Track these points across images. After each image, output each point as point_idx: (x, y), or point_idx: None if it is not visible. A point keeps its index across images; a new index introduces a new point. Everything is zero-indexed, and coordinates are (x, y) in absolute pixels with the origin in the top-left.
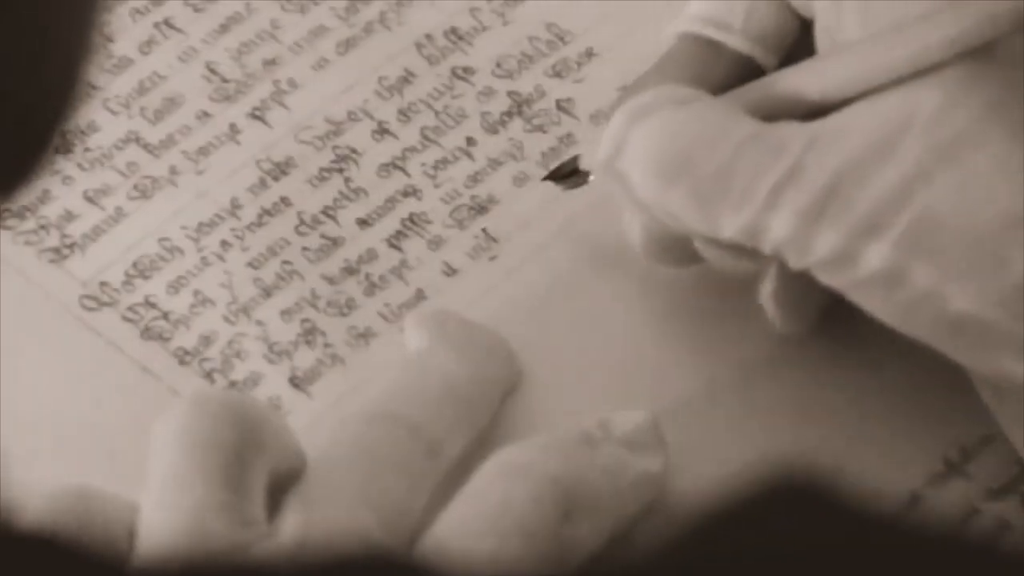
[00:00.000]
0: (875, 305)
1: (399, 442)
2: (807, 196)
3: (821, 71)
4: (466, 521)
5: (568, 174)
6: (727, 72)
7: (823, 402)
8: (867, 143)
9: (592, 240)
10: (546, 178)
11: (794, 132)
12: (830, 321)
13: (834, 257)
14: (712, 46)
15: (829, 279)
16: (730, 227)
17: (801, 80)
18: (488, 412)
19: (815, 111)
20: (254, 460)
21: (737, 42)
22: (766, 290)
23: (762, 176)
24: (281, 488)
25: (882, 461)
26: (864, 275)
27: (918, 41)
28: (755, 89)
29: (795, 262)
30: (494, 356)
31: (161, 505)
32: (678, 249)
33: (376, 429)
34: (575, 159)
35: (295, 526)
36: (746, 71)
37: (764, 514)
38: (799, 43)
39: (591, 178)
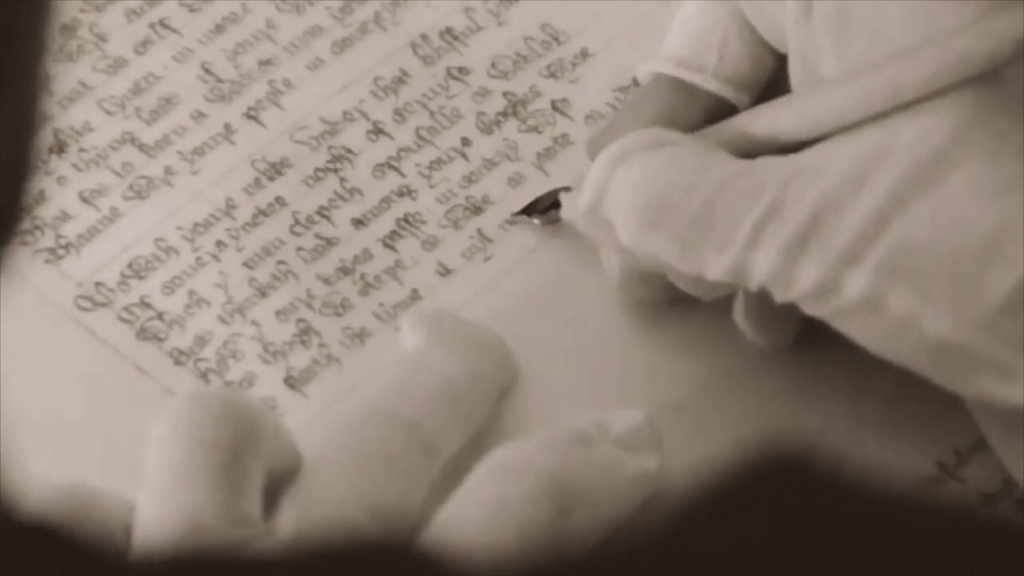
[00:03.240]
0: (857, 332)
1: (394, 440)
2: (788, 231)
3: (797, 108)
4: (461, 519)
5: (544, 209)
6: (701, 112)
7: (816, 405)
8: (844, 175)
9: (586, 241)
10: (520, 212)
11: (772, 168)
12: (824, 324)
13: (816, 289)
14: (685, 87)
15: (813, 310)
16: (715, 268)
17: (777, 117)
18: (484, 411)
19: (792, 145)
20: (250, 459)
21: (710, 84)
22: (738, 312)
23: (743, 215)
24: (277, 487)
25: (876, 465)
26: (845, 303)
27: (895, 79)
28: (732, 126)
29: (780, 296)
30: (490, 355)
31: (158, 503)
32: (655, 284)
33: (371, 428)
34: (550, 194)
35: (291, 524)
36: (720, 110)
37: (752, 494)
38: (774, 76)
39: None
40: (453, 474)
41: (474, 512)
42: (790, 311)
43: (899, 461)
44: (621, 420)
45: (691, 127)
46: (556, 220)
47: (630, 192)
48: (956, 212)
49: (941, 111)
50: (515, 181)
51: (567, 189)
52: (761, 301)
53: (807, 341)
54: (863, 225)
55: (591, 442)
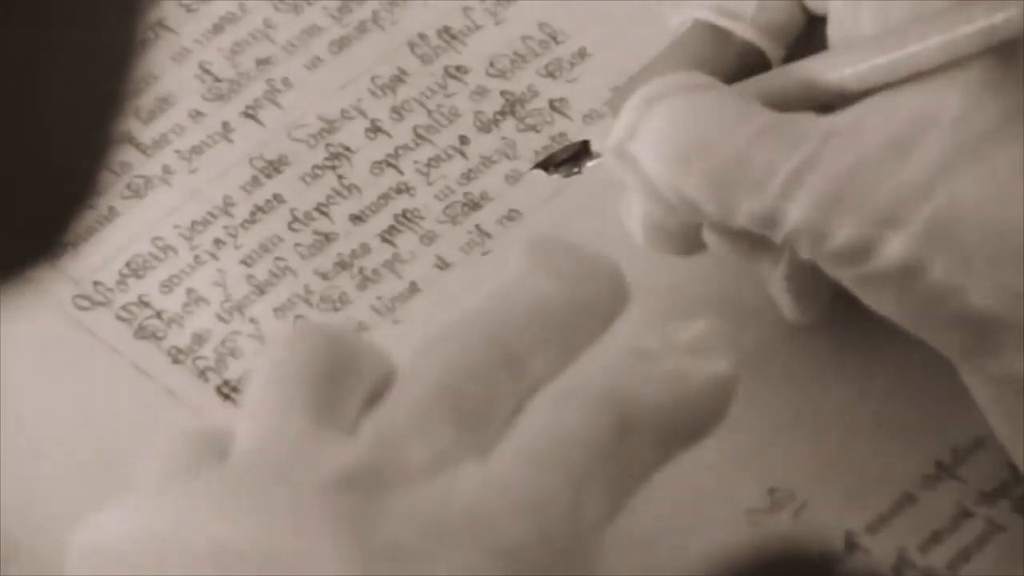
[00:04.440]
0: (887, 300)
1: (478, 354)
2: (825, 184)
3: (841, 62)
4: (522, 448)
5: (559, 163)
6: (735, 61)
7: (816, 404)
8: (888, 137)
9: (583, 237)
10: (535, 166)
11: (813, 123)
12: (823, 322)
13: (850, 247)
14: (721, 34)
15: (841, 270)
16: (745, 213)
17: (819, 70)
18: (585, 339)
19: (829, 105)
20: (346, 371)
21: (747, 31)
22: (778, 277)
23: (780, 163)
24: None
25: (874, 463)
26: (880, 267)
27: (946, 33)
28: (771, 78)
29: (808, 251)
30: (596, 282)
31: (254, 411)
32: (680, 237)
33: (455, 340)
34: (566, 148)
35: (370, 430)
36: (753, 62)
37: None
38: (804, 38)
39: (586, 166)
40: None
41: (533, 440)
42: (826, 285)
43: (898, 459)
44: (685, 329)
45: (725, 76)
46: (573, 173)
47: (665, 128)
48: (1004, 185)
49: (988, 84)
50: (513, 179)
51: (586, 143)
52: (802, 269)
53: (804, 342)
54: (907, 189)
55: (652, 356)
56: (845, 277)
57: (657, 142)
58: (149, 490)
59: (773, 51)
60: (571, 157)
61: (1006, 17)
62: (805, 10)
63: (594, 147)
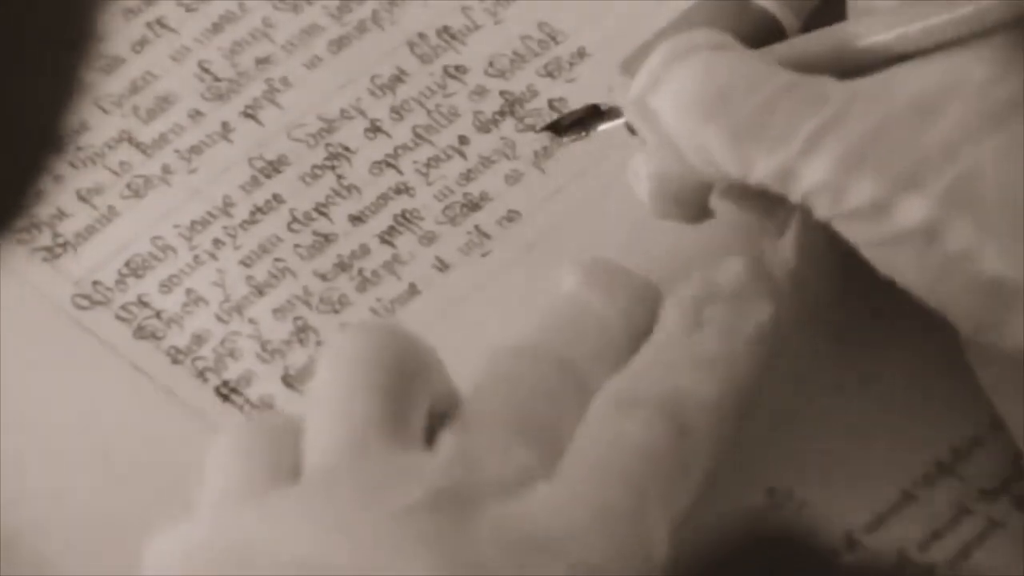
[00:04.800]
0: (904, 264)
1: (550, 376)
2: (847, 143)
3: (864, 31)
4: (585, 463)
5: (568, 127)
6: (751, 29)
7: (815, 403)
8: (912, 101)
9: (582, 237)
10: (545, 128)
11: (836, 85)
12: (822, 320)
13: (870, 207)
14: (737, 3)
15: (857, 232)
16: (763, 169)
17: (843, 39)
18: (633, 353)
19: (850, 74)
20: (417, 386)
21: (764, 0)
22: (787, 242)
23: (802, 120)
24: (436, 425)
25: (874, 463)
26: (899, 229)
27: (972, 3)
28: (791, 46)
29: (826, 210)
30: (642, 300)
31: (325, 421)
32: (688, 200)
33: (528, 363)
34: (576, 111)
35: (450, 448)
36: (769, 32)
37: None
38: (819, 10)
39: (596, 130)
40: None
41: (595, 452)
42: (837, 252)
43: (897, 458)
44: (724, 271)
45: (742, 44)
46: (580, 137)
47: (688, 80)
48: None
49: (1014, 56)
50: (512, 179)
51: (595, 106)
52: (813, 236)
53: (804, 340)
54: (930, 151)
55: (699, 325)
56: (862, 239)
57: (679, 95)
58: (222, 498)
59: (790, 21)
60: (578, 121)
61: None
62: None
63: (616, 98)
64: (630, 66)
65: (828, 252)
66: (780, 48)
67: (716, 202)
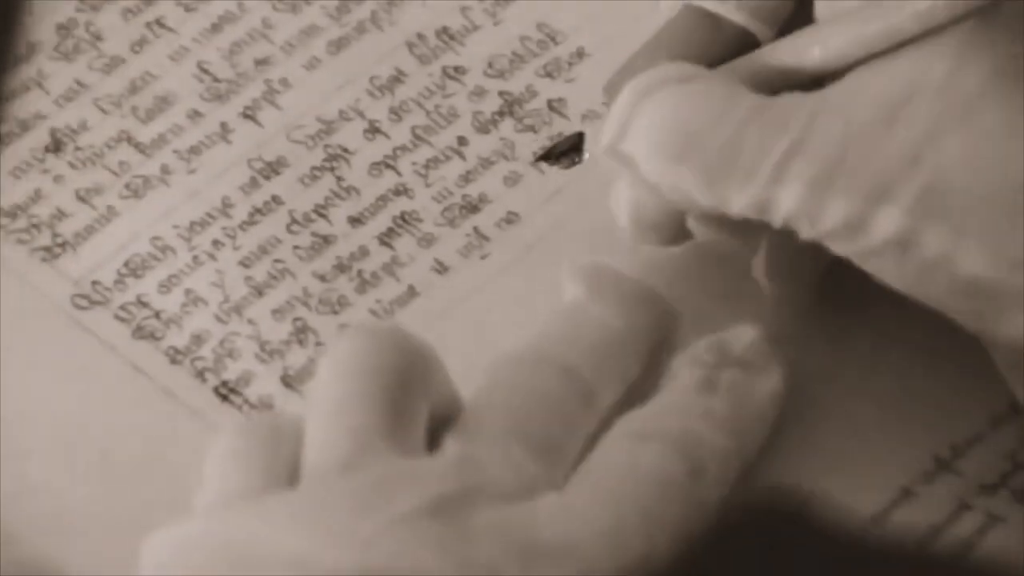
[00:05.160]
0: (888, 272)
1: (554, 386)
2: (814, 166)
3: (822, 38)
4: (599, 484)
5: (561, 154)
6: (725, 45)
7: (815, 400)
8: (874, 109)
9: (582, 239)
10: (539, 159)
11: (797, 103)
12: (821, 318)
13: (845, 225)
14: (711, 19)
15: (841, 248)
16: (739, 202)
17: (801, 47)
18: (640, 363)
19: (816, 79)
20: (418, 389)
21: (737, 15)
22: (759, 266)
23: (768, 149)
24: (438, 428)
25: (873, 459)
26: (876, 242)
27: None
28: (755, 59)
29: (806, 233)
30: (647, 308)
31: (326, 424)
32: (668, 227)
33: (532, 372)
34: (568, 139)
35: (454, 454)
36: (744, 45)
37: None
38: (794, 17)
39: (585, 157)
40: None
41: (610, 476)
42: (809, 262)
43: (896, 455)
44: (738, 338)
45: (715, 60)
46: (573, 164)
47: (655, 125)
48: (992, 150)
49: (973, 47)
50: (511, 180)
51: (582, 134)
52: (782, 251)
53: (803, 338)
54: (895, 162)
55: (713, 384)
56: (846, 253)
57: (648, 141)
58: (221, 498)
59: (764, 33)
60: (570, 148)
61: None
62: None
63: (586, 150)
64: (612, 89)
65: (805, 264)
66: (744, 63)
67: (693, 225)
